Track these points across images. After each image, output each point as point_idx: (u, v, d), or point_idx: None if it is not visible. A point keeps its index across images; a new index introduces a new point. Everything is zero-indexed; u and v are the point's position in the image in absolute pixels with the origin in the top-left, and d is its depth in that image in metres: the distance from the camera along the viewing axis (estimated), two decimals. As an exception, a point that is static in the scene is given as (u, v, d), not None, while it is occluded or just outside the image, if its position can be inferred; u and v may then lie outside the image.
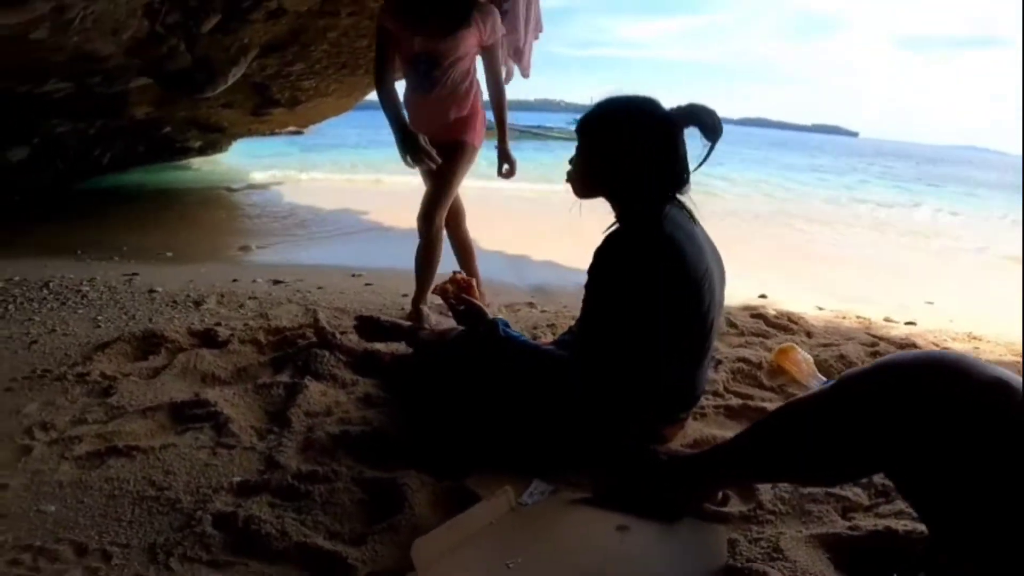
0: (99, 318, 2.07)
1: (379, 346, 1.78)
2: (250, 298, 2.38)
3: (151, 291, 2.40)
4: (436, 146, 2.00)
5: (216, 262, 3.35)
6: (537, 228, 4.88)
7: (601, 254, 1.22)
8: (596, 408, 1.26)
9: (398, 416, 1.46)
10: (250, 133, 5.86)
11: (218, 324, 2.00)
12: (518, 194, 6.73)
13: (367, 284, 2.90)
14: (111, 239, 3.36)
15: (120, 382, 1.57)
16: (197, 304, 2.26)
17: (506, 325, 1.46)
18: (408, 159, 2.02)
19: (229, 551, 0.99)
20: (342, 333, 1.83)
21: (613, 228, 1.26)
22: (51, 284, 2.40)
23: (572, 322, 1.94)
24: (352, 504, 1.14)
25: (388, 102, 2.05)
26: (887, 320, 2.77)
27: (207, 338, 1.86)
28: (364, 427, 1.39)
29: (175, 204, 5.37)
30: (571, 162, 1.33)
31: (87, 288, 2.40)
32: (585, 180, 1.31)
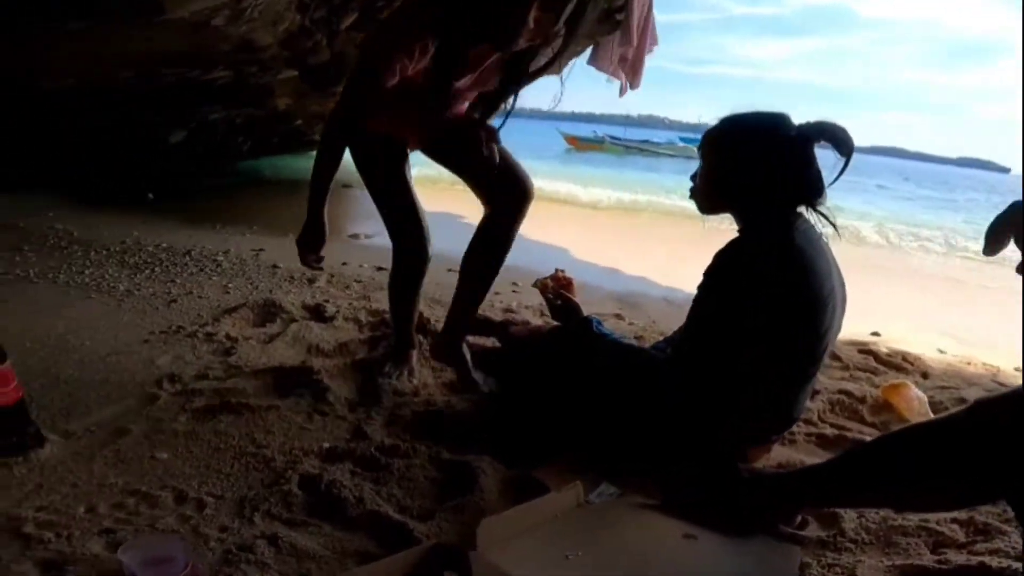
0: (229, 285, 2.28)
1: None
2: (356, 281, 2.53)
3: (274, 266, 2.61)
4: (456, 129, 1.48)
5: (328, 245, 3.56)
6: (632, 242, 4.76)
7: (724, 256, 1.16)
8: (687, 415, 1.21)
9: (480, 403, 1.49)
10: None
11: (327, 301, 2.14)
12: (619, 205, 6.63)
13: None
14: (245, 217, 3.67)
15: (240, 344, 1.72)
16: (311, 282, 2.42)
17: (599, 323, 1.44)
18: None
19: (307, 512, 1.05)
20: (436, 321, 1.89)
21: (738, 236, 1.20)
22: (192, 252, 2.68)
23: (659, 337, 1.90)
24: (426, 481, 1.17)
25: (325, 172, 1.35)
26: (1018, 369, 2.43)
27: (317, 312, 2.01)
28: (446, 410, 1.43)
29: (299, 192, 5.76)
30: (694, 178, 1.29)
31: (221, 258, 2.66)
32: (712, 195, 1.26)
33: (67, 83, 3.15)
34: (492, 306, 2.35)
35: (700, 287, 1.19)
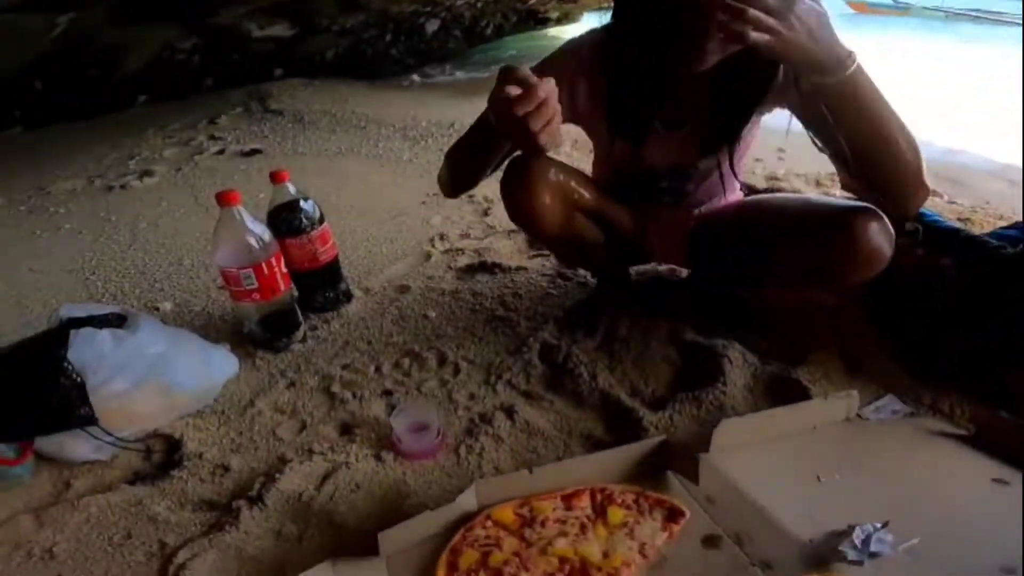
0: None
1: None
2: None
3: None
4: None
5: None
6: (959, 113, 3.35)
7: None
8: None
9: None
10: (599, 6, 5.52)
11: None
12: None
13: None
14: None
15: (495, 204, 1.79)
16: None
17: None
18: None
19: (543, 385, 1.08)
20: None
21: None
22: (454, 124, 2.74)
23: (1000, 222, 1.43)
24: (663, 363, 1.09)
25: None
26: None
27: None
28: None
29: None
30: None
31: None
32: None
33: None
34: (753, 172, 1.97)
35: None
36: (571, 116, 0.99)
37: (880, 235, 0.86)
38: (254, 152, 2.57)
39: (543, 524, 0.77)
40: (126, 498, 0.89)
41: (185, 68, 3.43)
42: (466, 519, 0.79)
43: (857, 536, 0.72)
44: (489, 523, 0.78)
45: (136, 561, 0.79)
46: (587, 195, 1.05)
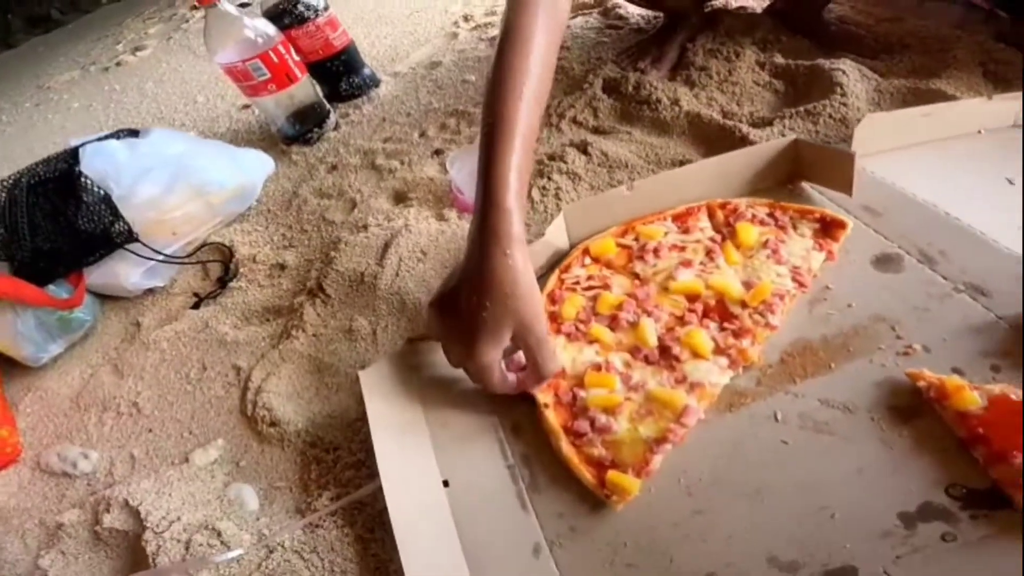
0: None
1: None
2: None
3: None
4: None
5: None
6: None
7: None
8: None
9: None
10: None
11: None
12: None
13: None
14: None
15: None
16: None
17: None
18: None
19: (615, 118, 0.88)
20: None
21: None
22: None
23: None
24: (756, 87, 0.87)
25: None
26: None
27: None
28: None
29: None
30: None
31: None
32: None
33: None
34: None
35: None
36: None
37: None
38: (244, 5, 2.26)
39: (656, 254, 0.59)
40: (192, 324, 0.79)
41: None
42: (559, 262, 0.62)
43: None
44: (588, 259, 0.61)
45: (216, 396, 0.70)
46: None
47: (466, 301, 0.47)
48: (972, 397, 0.42)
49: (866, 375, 0.46)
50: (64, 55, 2.51)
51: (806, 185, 0.65)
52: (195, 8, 2.50)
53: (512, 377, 0.51)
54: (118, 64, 2.08)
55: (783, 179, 0.66)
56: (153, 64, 1.96)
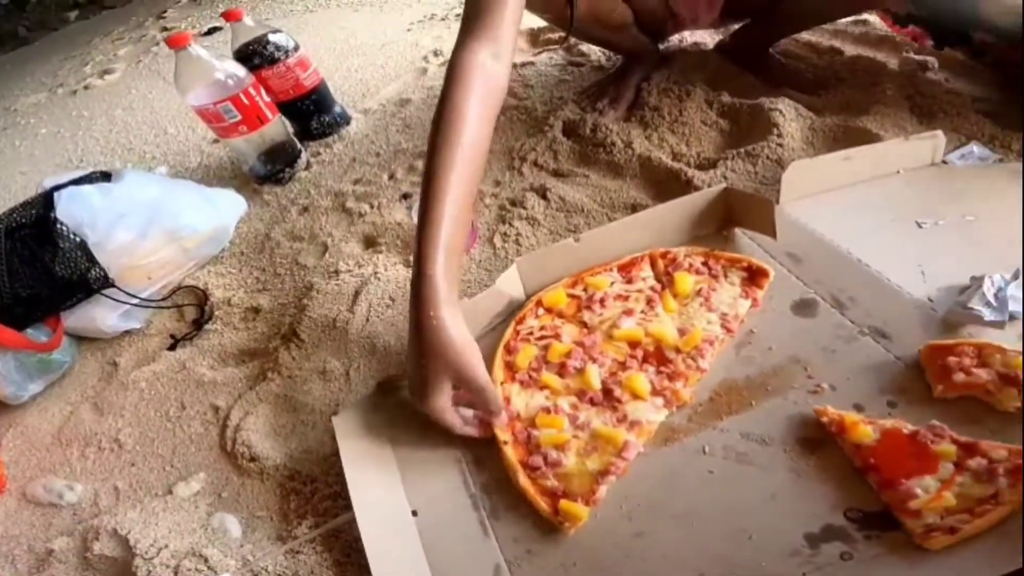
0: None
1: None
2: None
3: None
4: None
5: None
6: None
7: None
8: None
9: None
10: None
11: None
12: None
13: None
14: None
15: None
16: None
17: None
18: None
19: (573, 161, 0.95)
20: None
21: None
22: None
23: None
24: (703, 127, 0.95)
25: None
26: None
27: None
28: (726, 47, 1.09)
29: None
30: None
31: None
32: None
33: None
34: None
35: None
36: None
37: None
38: (214, 30, 2.29)
39: (602, 304, 0.65)
40: (170, 365, 0.84)
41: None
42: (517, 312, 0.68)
43: (988, 289, 0.55)
44: (541, 311, 0.68)
45: (196, 433, 0.74)
46: None
47: (411, 359, 0.55)
48: (866, 431, 0.49)
49: (781, 411, 0.54)
50: (31, 75, 2.51)
51: (738, 231, 0.72)
52: (166, 30, 2.52)
53: (471, 417, 0.58)
54: (86, 88, 2.10)
55: (719, 225, 0.73)
56: (122, 89, 1.98)
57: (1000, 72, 0.89)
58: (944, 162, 0.76)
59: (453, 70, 0.60)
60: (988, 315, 0.54)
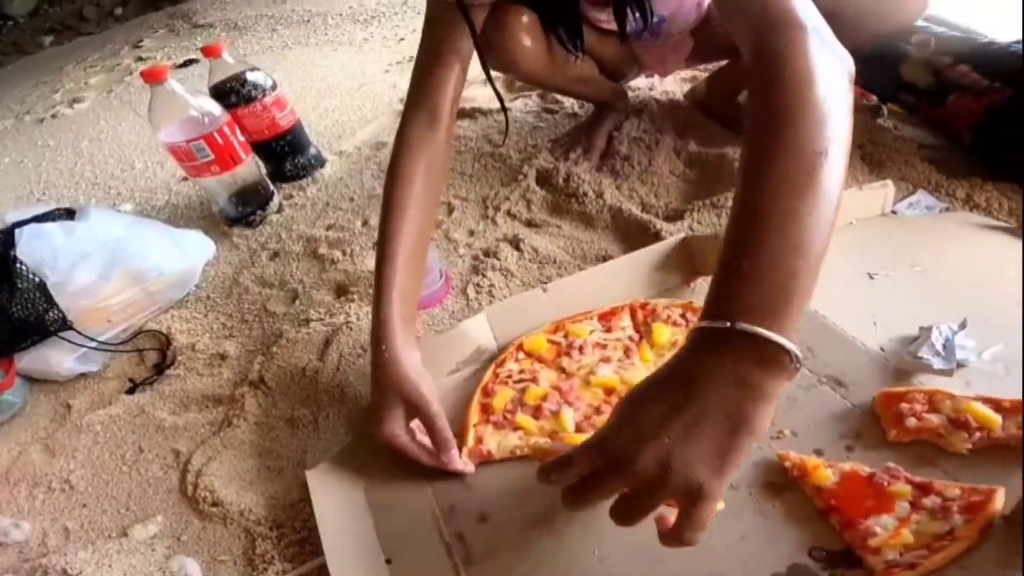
0: None
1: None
2: None
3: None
4: None
5: None
6: None
7: None
8: None
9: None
10: None
11: None
12: None
13: None
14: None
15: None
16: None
17: None
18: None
19: (546, 211, 0.99)
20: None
21: None
22: (408, 1, 2.45)
23: None
24: (672, 176, 1.01)
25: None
26: None
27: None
28: (694, 99, 1.18)
29: None
30: None
31: None
32: None
33: None
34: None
35: None
36: None
37: None
38: (190, 63, 2.32)
39: (581, 350, 0.69)
40: (127, 409, 0.83)
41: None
42: (492, 358, 0.72)
43: (936, 339, 0.59)
44: (521, 355, 0.71)
45: (154, 476, 0.74)
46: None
47: (371, 391, 0.62)
48: (827, 474, 0.52)
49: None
50: (-1, 100, 2.49)
51: (702, 280, 0.77)
52: (141, 60, 2.53)
53: (428, 446, 0.62)
54: (54, 116, 2.09)
55: (687, 276, 0.78)
56: (91, 119, 1.98)
57: (932, 127, 0.98)
58: (894, 211, 0.83)
59: (399, 140, 0.72)
60: (937, 364, 0.58)
